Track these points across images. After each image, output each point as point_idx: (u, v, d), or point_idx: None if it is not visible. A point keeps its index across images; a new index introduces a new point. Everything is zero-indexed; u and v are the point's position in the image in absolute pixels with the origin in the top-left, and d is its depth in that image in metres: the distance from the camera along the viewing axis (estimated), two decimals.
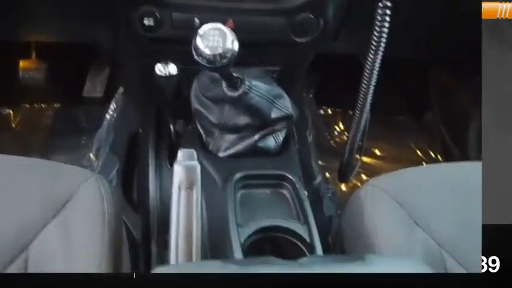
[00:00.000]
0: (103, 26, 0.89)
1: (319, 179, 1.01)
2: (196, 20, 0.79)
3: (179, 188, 0.56)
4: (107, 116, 1.11)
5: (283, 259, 0.42)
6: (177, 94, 0.84)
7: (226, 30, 0.63)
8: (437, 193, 0.71)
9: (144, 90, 0.93)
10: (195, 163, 0.57)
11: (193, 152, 0.57)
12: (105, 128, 1.09)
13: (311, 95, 1.25)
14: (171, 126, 0.89)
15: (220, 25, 0.63)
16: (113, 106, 1.11)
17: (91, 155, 1.07)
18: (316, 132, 1.22)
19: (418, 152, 1.33)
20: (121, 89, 1.12)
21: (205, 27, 0.63)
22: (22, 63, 1.18)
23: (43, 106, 1.24)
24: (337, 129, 1.34)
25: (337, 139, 1.32)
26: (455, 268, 0.63)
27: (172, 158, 0.88)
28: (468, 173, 0.75)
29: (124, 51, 0.94)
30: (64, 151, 1.10)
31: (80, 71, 1.21)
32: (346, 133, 1.33)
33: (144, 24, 0.78)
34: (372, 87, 0.74)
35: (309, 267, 0.37)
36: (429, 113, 1.34)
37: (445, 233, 0.65)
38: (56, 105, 1.24)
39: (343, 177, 0.99)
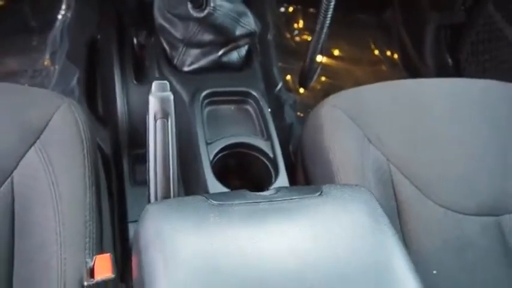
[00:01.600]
0: None
1: (280, 85, 1.14)
2: None
3: (154, 118, 0.67)
4: (59, 16, 1.15)
5: (253, 191, 0.56)
6: (139, 4, 0.91)
7: None
8: (391, 110, 0.85)
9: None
10: (169, 94, 0.67)
11: (167, 83, 0.67)
12: (59, 29, 1.14)
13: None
14: (134, 37, 0.96)
15: None
16: (64, 5, 1.15)
17: (46, 59, 1.13)
18: (278, 32, 1.32)
19: (377, 52, 1.47)
20: None
21: None
22: None
23: None
24: (298, 27, 1.43)
25: (298, 38, 1.42)
26: (401, 181, 0.79)
27: (137, 72, 0.97)
28: (422, 90, 0.89)
29: None
30: (14, 53, 1.15)
31: None
32: (306, 32, 1.43)
33: None
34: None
35: (275, 201, 0.51)
36: (389, 10, 1.44)
37: (395, 149, 0.81)
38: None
39: (303, 83, 1.13)
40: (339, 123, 0.83)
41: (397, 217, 0.73)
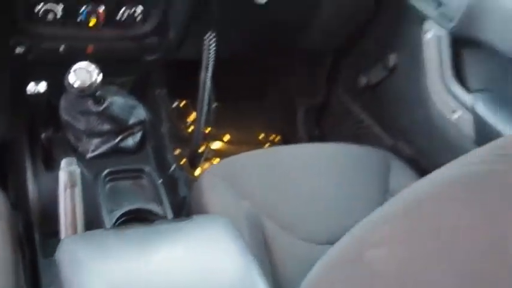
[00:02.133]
0: None
1: (173, 167, 1.38)
2: (61, 47, 1.09)
3: (65, 188, 0.88)
4: None
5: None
6: (47, 107, 1.13)
7: (92, 66, 0.95)
8: (261, 172, 1.11)
9: (14, 104, 1.19)
10: (76, 167, 0.88)
11: (74, 159, 0.89)
12: None
13: (164, 91, 1.60)
14: (43, 134, 1.18)
15: (87, 63, 0.95)
16: None
17: None
18: (172, 125, 1.57)
19: (261, 135, 1.77)
20: None
21: (77, 66, 0.94)
22: None
23: None
24: (190, 119, 1.71)
25: (190, 129, 1.69)
26: (267, 222, 1.02)
27: (47, 162, 1.17)
28: (288, 153, 1.17)
29: None
30: None
31: None
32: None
33: (14, 51, 1.06)
34: (208, 81, 1.14)
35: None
36: (267, 99, 1.78)
37: (262, 200, 1.05)
38: None
39: (193, 164, 1.38)
40: (216, 187, 1.07)
41: (264, 249, 0.96)
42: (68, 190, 0.87)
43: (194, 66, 1.22)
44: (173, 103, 1.67)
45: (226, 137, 1.72)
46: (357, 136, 1.52)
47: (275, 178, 1.10)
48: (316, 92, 1.65)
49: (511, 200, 0.43)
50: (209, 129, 1.56)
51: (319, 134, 1.66)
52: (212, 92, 1.29)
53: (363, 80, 1.48)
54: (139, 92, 1.29)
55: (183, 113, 1.70)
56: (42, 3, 1.02)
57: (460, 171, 0.48)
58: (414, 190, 0.51)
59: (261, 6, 1.16)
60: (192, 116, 1.72)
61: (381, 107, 1.48)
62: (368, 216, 0.53)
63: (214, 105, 1.40)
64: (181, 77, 1.41)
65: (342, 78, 1.60)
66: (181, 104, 1.72)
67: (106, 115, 1.10)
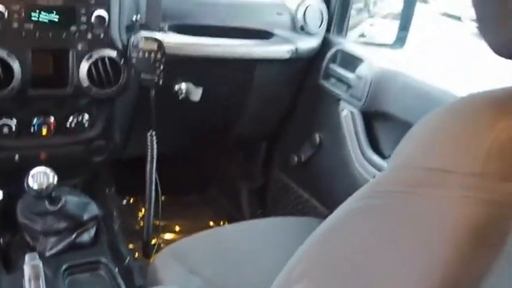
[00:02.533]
0: None
1: (128, 258, 1.49)
2: (16, 156, 1.23)
3: (29, 281, 0.98)
4: None
5: None
6: (4, 212, 1.25)
7: (48, 170, 1.10)
8: (212, 249, 1.24)
9: None
10: (39, 261, 1.00)
11: (36, 254, 1.00)
12: None
13: (113, 190, 1.74)
14: (0, 239, 1.28)
15: (44, 168, 1.09)
16: None
17: None
18: (123, 220, 1.70)
19: (211, 223, 1.91)
20: None
21: (34, 170, 1.08)
22: None
23: None
24: (141, 213, 1.84)
25: (142, 222, 1.82)
26: None
27: (7, 265, 1.26)
28: (234, 229, 1.31)
29: None
30: None
31: None
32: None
33: None
34: (153, 177, 1.29)
35: None
36: (212, 188, 1.94)
37: (209, 274, 1.17)
38: None
39: (146, 255, 1.50)
40: (169, 267, 1.19)
41: None
42: (33, 282, 0.97)
43: (141, 163, 1.39)
44: (123, 200, 1.80)
45: (177, 228, 1.85)
46: (298, 210, 1.69)
47: (223, 253, 1.23)
48: (256, 175, 1.83)
49: (382, 231, 0.52)
50: (159, 221, 1.70)
51: (262, 213, 1.83)
52: (159, 186, 1.45)
53: (295, 159, 1.69)
54: (91, 191, 1.43)
55: (134, 208, 1.83)
56: None
57: (347, 207, 0.63)
58: (322, 226, 0.66)
59: (195, 104, 1.36)
60: (143, 210, 1.85)
61: (313, 181, 1.67)
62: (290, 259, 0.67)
63: (162, 198, 1.56)
64: (130, 175, 1.56)
65: (276, 159, 1.80)
66: (131, 200, 1.85)
67: (62, 214, 1.23)
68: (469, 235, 0.46)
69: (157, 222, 1.73)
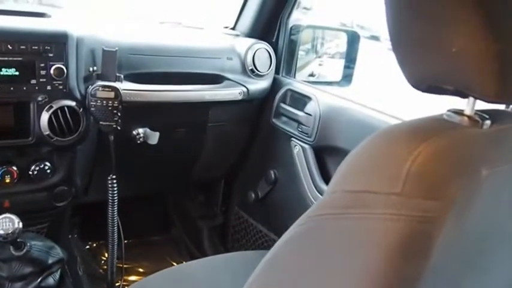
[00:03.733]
0: None
1: None
2: None
3: None
4: None
5: None
6: None
7: (13, 216, 1.19)
8: (176, 285, 1.33)
9: None
10: None
11: None
12: None
13: (76, 235, 1.83)
14: None
15: (9, 214, 1.19)
16: None
17: None
18: (86, 265, 1.79)
19: (173, 262, 2.01)
20: None
21: (0, 217, 1.18)
22: None
23: None
24: (104, 258, 1.92)
25: (105, 266, 1.90)
26: None
27: None
28: (195, 266, 1.41)
29: None
30: None
31: None
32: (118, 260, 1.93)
33: None
34: (115, 220, 1.40)
35: None
36: (174, 228, 2.05)
37: None
38: None
39: None
40: None
41: None
42: None
43: (104, 208, 1.49)
44: (86, 245, 1.89)
45: (141, 269, 1.94)
46: (258, 245, 1.81)
47: None
48: (216, 213, 1.96)
49: (317, 252, 0.57)
50: (122, 264, 1.79)
51: (224, 250, 1.94)
52: (121, 229, 1.56)
53: (252, 195, 1.82)
54: (55, 236, 1.52)
55: (97, 252, 1.92)
56: None
57: (292, 232, 0.69)
58: (265, 257, 0.65)
59: (153, 147, 1.48)
60: (106, 255, 1.94)
61: (271, 215, 1.80)
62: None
63: (125, 241, 1.66)
64: (93, 220, 1.66)
65: (235, 196, 1.93)
66: (94, 245, 1.94)
67: (27, 258, 1.31)
68: (395, 249, 0.51)
69: (120, 265, 1.83)
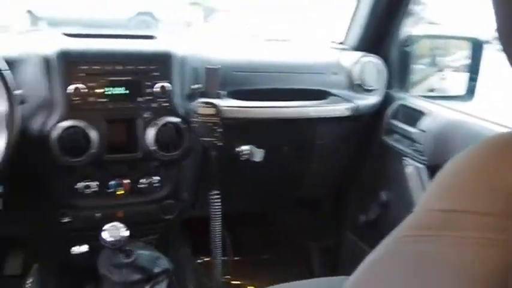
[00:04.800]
0: (30, 226, 1.54)
1: None
2: (97, 214, 1.47)
3: None
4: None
5: None
6: (88, 265, 1.47)
7: (120, 225, 1.31)
8: None
9: (60, 264, 1.55)
10: None
11: None
12: None
13: (187, 250, 1.93)
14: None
15: (116, 223, 1.31)
16: (30, 280, 1.70)
17: None
18: (197, 279, 1.87)
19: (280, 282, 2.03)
20: (36, 265, 1.72)
21: (107, 226, 1.30)
22: None
23: None
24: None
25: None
26: None
27: None
28: None
29: (44, 238, 1.58)
30: None
31: (1, 256, 1.81)
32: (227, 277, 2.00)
33: (61, 221, 1.44)
34: (217, 235, 1.46)
35: None
36: (283, 248, 2.08)
37: None
38: None
39: None
40: None
41: None
42: None
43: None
44: (197, 259, 1.98)
45: (249, 287, 1.99)
46: None
47: None
48: (326, 236, 1.94)
49: (405, 280, 0.51)
50: (230, 280, 1.85)
51: (331, 273, 1.91)
52: (229, 246, 1.62)
53: (362, 217, 1.78)
54: (164, 249, 1.63)
55: (210, 267, 2.01)
56: (81, 182, 1.43)
57: (376, 254, 0.66)
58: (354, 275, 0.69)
59: (258, 164, 1.53)
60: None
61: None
62: None
63: (234, 258, 1.72)
64: (205, 235, 1.75)
65: (344, 218, 1.90)
66: (207, 259, 2.03)
67: (135, 266, 1.42)
68: (487, 277, 0.45)
69: (229, 281, 1.90)
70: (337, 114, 1.61)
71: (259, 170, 1.57)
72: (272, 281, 2.00)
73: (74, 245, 1.44)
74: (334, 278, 1.49)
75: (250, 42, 1.81)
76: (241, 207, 1.78)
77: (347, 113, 1.61)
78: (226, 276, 1.98)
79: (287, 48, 1.78)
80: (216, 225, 1.52)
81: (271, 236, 2.11)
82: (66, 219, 1.46)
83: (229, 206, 1.51)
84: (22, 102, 1.23)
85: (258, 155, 1.52)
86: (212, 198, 1.50)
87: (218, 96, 1.44)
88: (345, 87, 1.67)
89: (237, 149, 1.52)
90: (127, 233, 1.33)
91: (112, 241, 1.31)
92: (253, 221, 1.97)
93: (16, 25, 1.84)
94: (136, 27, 1.75)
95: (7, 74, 1.16)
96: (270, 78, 1.58)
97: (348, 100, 1.63)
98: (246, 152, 1.52)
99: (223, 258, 1.84)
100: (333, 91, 1.64)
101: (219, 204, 1.49)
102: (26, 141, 1.21)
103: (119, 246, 1.33)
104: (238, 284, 2.00)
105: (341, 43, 1.83)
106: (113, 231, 1.32)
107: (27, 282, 1.73)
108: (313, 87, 1.62)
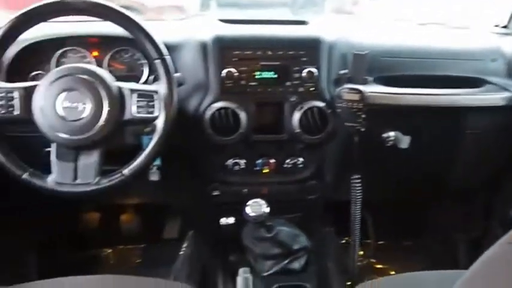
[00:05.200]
0: (184, 196, 1.70)
1: None
2: (244, 190, 1.58)
3: None
4: (181, 252, 1.88)
5: None
6: (234, 236, 1.59)
7: (262, 202, 1.40)
8: None
9: (211, 233, 1.70)
10: (249, 275, 1.28)
11: (247, 269, 1.29)
12: (180, 261, 1.85)
13: (332, 229, 1.98)
14: (231, 257, 1.63)
15: (258, 200, 1.40)
16: (185, 244, 1.89)
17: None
18: (339, 259, 1.91)
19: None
20: (191, 232, 1.90)
21: (250, 201, 1.40)
22: (122, 217, 2.04)
23: (133, 247, 2.06)
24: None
25: (358, 263, 2.01)
26: None
27: (233, 277, 1.61)
28: (431, 281, 1.40)
29: (197, 208, 1.74)
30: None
31: (161, 221, 2.03)
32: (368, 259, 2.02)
33: (212, 194, 1.58)
34: (357, 220, 1.49)
35: None
36: (425, 235, 2.03)
37: None
38: (142, 246, 2.05)
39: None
40: None
41: None
42: None
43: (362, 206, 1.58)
44: (340, 240, 2.02)
45: (392, 272, 1.98)
46: None
47: None
48: (474, 227, 1.86)
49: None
50: (371, 263, 1.87)
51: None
52: (372, 230, 1.64)
53: None
54: (306, 227, 1.70)
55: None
56: (231, 159, 1.55)
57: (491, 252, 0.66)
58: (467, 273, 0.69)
59: (403, 151, 1.52)
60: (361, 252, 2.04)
61: None
62: None
63: (376, 242, 1.73)
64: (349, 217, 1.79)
65: (495, 213, 1.80)
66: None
67: (275, 241, 1.51)
68: None
69: (370, 264, 1.91)
70: (491, 103, 1.52)
71: (404, 156, 1.55)
72: (413, 267, 1.99)
73: (222, 217, 1.56)
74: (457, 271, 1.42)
75: (402, 26, 1.77)
76: (386, 193, 1.78)
77: (502, 103, 1.52)
78: (367, 259, 2.01)
79: (441, 33, 1.71)
80: (356, 209, 1.55)
81: (416, 223, 2.08)
82: (216, 193, 1.60)
83: (373, 191, 1.52)
84: (180, 84, 1.34)
85: (405, 141, 1.51)
86: (353, 182, 1.52)
87: (364, 82, 1.45)
88: (504, 75, 1.57)
89: (384, 135, 1.52)
90: (268, 210, 1.41)
91: (254, 216, 1.40)
92: (399, 207, 1.95)
93: (189, 5, 1.99)
94: (302, 7, 1.79)
95: (167, 59, 1.28)
96: (420, 65, 1.54)
97: (505, 89, 1.53)
98: (392, 138, 1.51)
99: (366, 241, 1.87)
100: (490, 79, 1.56)
101: (360, 188, 1.51)
102: (182, 121, 1.33)
103: (260, 221, 1.42)
104: (380, 267, 2.01)
105: (504, 27, 1.71)
106: (255, 207, 1.41)
107: (183, 246, 1.92)
108: (468, 75, 1.55)
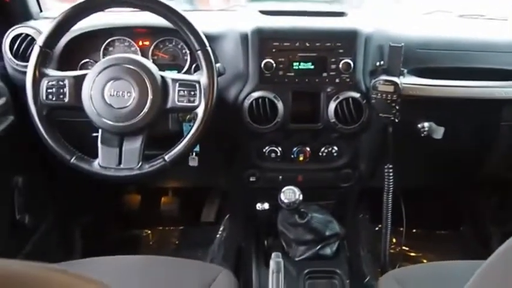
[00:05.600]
0: (222, 181, 1.77)
1: (368, 277, 1.75)
2: (280, 177, 1.64)
3: (273, 272, 1.33)
4: (218, 235, 1.95)
5: None
6: (269, 220, 1.65)
7: (295, 189, 1.45)
8: (434, 283, 1.38)
9: (247, 217, 1.76)
10: (281, 260, 1.34)
11: (279, 253, 1.35)
12: (217, 243, 1.93)
13: (366, 216, 2.02)
14: (265, 241, 1.70)
15: (292, 187, 1.45)
16: (221, 227, 1.96)
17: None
18: (370, 244, 1.96)
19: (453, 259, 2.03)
20: (227, 216, 1.97)
21: (285, 188, 1.46)
22: (163, 200, 2.13)
23: (172, 228, 2.15)
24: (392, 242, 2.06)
25: (391, 250, 2.04)
26: None
27: (267, 261, 1.67)
28: (463, 270, 1.43)
29: (234, 193, 1.81)
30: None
31: (199, 205, 2.12)
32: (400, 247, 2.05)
33: (249, 179, 1.64)
34: (389, 208, 1.53)
35: None
36: (464, 227, 2.05)
37: None
38: (181, 228, 2.14)
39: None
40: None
41: None
42: (274, 274, 1.32)
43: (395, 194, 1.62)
44: (375, 227, 2.06)
45: (424, 260, 2.01)
46: None
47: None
48: (507, 220, 1.87)
49: None
50: (402, 251, 1.90)
51: None
52: (404, 218, 1.68)
53: None
54: (340, 213, 1.74)
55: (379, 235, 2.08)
56: (268, 147, 1.60)
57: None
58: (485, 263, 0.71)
59: (437, 142, 1.54)
60: (393, 240, 2.08)
61: None
62: None
63: (408, 230, 1.76)
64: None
65: None
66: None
67: (308, 227, 1.57)
68: None
69: (402, 252, 1.95)
70: None
71: (438, 147, 1.58)
72: (445, 257, 2.01)
73: (258, 202, 1.62)
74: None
75: (441, 18, 1.77)
76: (420, 182, 1.81)
77: None
78: (398, 246, 2.04)
79: (479, 25, 1.72)
80: (389, 198, 1.59)
81: (452, 213, 2.10)
82: (252, 179, 1.67)
83: (408, 180, 1.55)
84: (220, 74, 1.39)
85: (439, 132, 1.53)
86: (387, 172, 1.56)
87: (400, 74, 1.48)
88: None
89: (419, 125, 1.54)
90: (301, 197, 1.46)
91: (287, 202, 1.46)
92: (435, 196, 1.97)
93: None
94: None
95: (208, 50, 1.33)
96: (457, 57, 1.55)
97: None
98: (427, 128, 1.54)
99: (399, 229, 1.90)
100: None
101: (392, 177, 1.55)
102: (221, 109, 1.39)
103: (293, 207, 1.47)
104: (411, 255, 2.05)
105: None
106: (289, 194, 1.46)
107: (220, 229, 2.00)
108: (507, 67, 1.55)
